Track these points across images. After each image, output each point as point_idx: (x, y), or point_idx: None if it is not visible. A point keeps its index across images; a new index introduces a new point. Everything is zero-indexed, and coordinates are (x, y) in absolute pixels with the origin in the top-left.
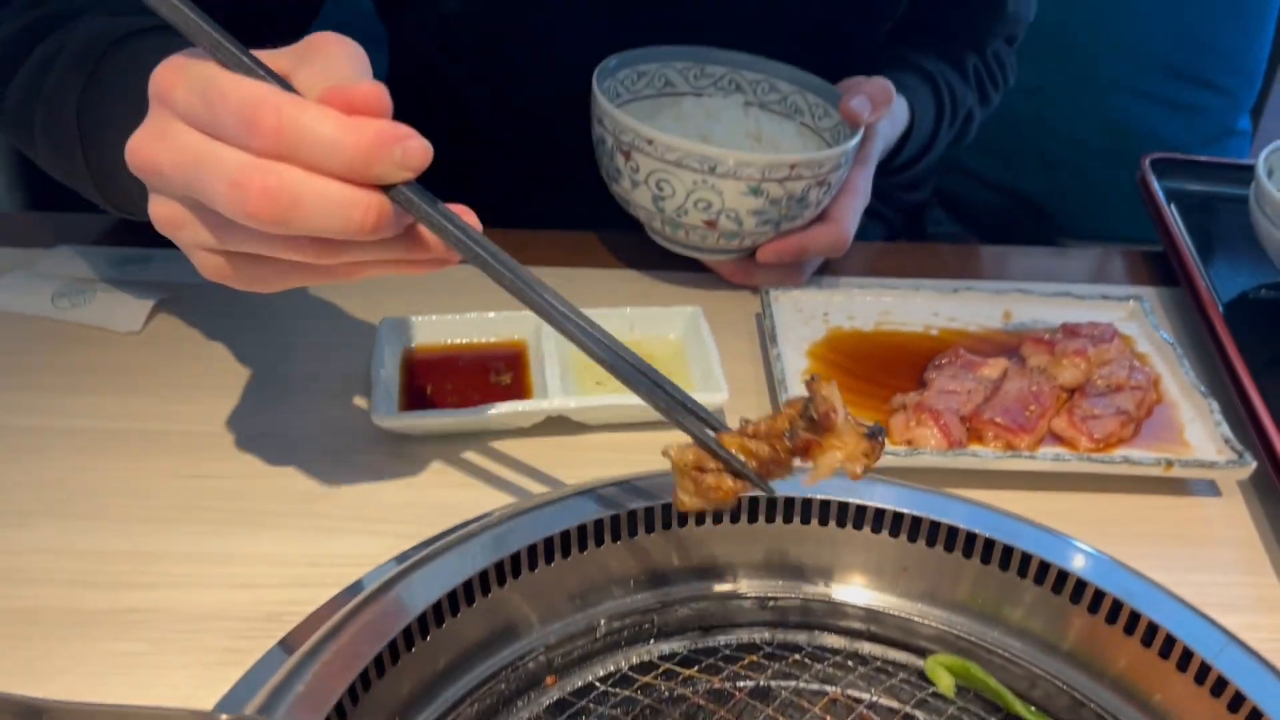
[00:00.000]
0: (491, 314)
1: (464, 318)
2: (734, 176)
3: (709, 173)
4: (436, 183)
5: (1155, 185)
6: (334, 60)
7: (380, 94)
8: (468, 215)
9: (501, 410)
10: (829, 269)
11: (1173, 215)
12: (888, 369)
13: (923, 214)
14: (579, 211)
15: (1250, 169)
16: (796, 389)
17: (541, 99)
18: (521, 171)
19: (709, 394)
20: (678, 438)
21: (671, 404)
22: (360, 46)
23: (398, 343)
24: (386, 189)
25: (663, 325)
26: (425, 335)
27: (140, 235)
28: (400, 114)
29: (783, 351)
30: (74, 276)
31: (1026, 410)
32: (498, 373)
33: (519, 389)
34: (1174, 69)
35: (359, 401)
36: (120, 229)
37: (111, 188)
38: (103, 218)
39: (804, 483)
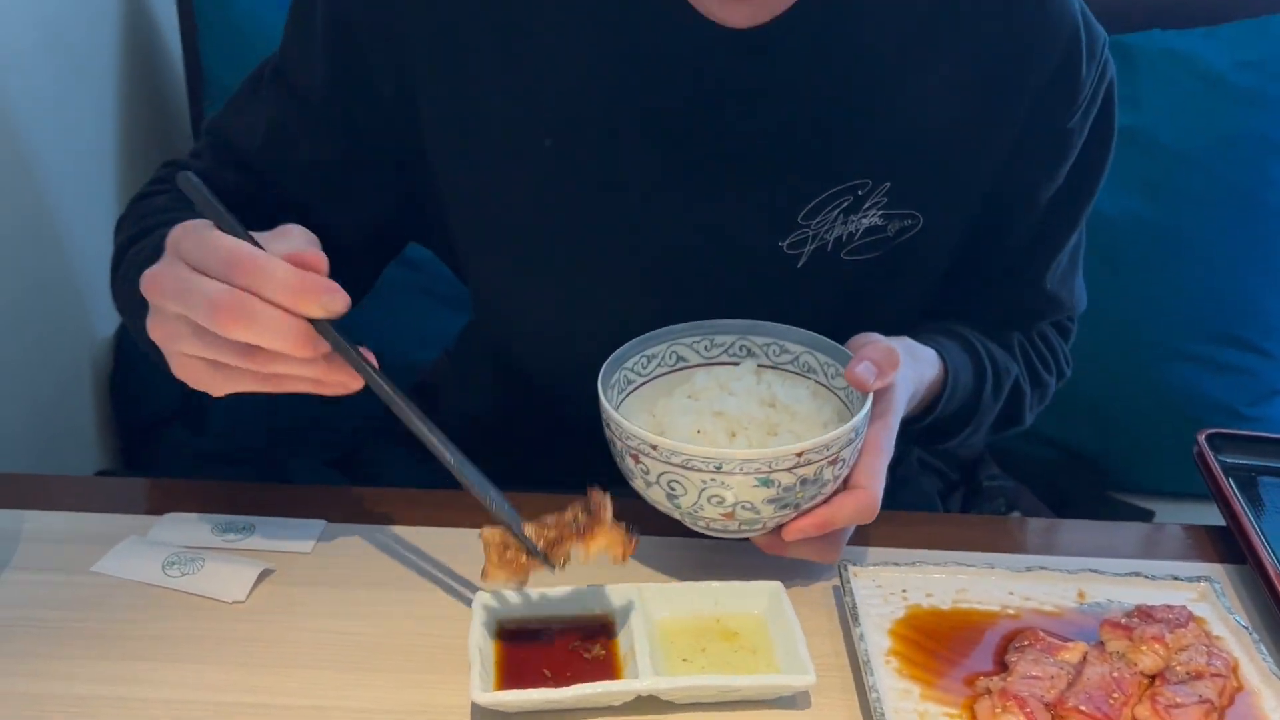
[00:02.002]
0: (581, 588)
1: (554, 592)
2: (741, 473)
3: (716, 471)
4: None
5: (1213, 461)
6: (294, 238)
7: (320, 259)
8: (368, 355)
9: (595, 690)
10: (903, 542)
11: (1233, 490)
12: (968, 649)
13: (977, 468)
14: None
15: None
16: (882, 671)
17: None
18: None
19: (796, 676)
20: None
21: (493, 499)
22: (312, 234)
23: (492, 616)
24: (315, 321)
25: (747, 601)
26: (518, 609)
27: (244, 504)
28: (472, 366)
29: (865, 631)
30: (185, 545)
31: (1110, 698)
32: (589, 647)
33: (609, 663)
34: (1216, 333)
35: (455, 677)
36: (227, 497)
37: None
38: (210, 485)
39: (580, 561)
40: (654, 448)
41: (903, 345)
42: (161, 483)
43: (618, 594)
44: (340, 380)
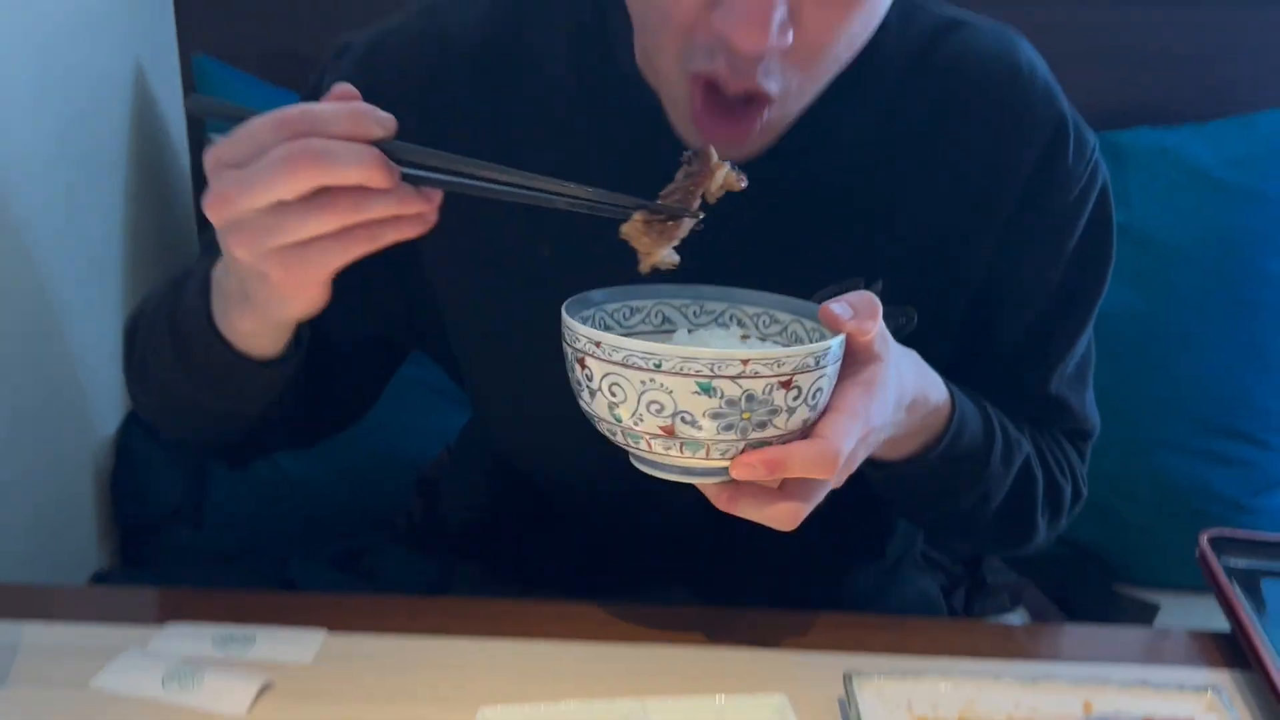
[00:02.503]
0: (587, 701)
1: (560, 705)
2: (681, 374)
3: (656, 370)
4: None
5: (1216, 564)
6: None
7: (353, 89)
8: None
9: None
10: (907, 649)
11: (1237, 594)
12: None
13: (980, 563)
14: (642, 583)
15: None
16: None
17: (598, 488)
18: (586, 538)
19: None
20: None
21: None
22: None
23: None
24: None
25: (752, 714)
26: None
27: (245, 611)
28: (473, 464)
29: None
30: (184, 656)
31: None
32: None
33: None
34: (1215, 426)
35: None
36: (227, 605)
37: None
38: (210, 593)
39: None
40: (598, 345)
41: (910, 355)
42: (161, 591)
43: (621, 708)
44: (418, 207)
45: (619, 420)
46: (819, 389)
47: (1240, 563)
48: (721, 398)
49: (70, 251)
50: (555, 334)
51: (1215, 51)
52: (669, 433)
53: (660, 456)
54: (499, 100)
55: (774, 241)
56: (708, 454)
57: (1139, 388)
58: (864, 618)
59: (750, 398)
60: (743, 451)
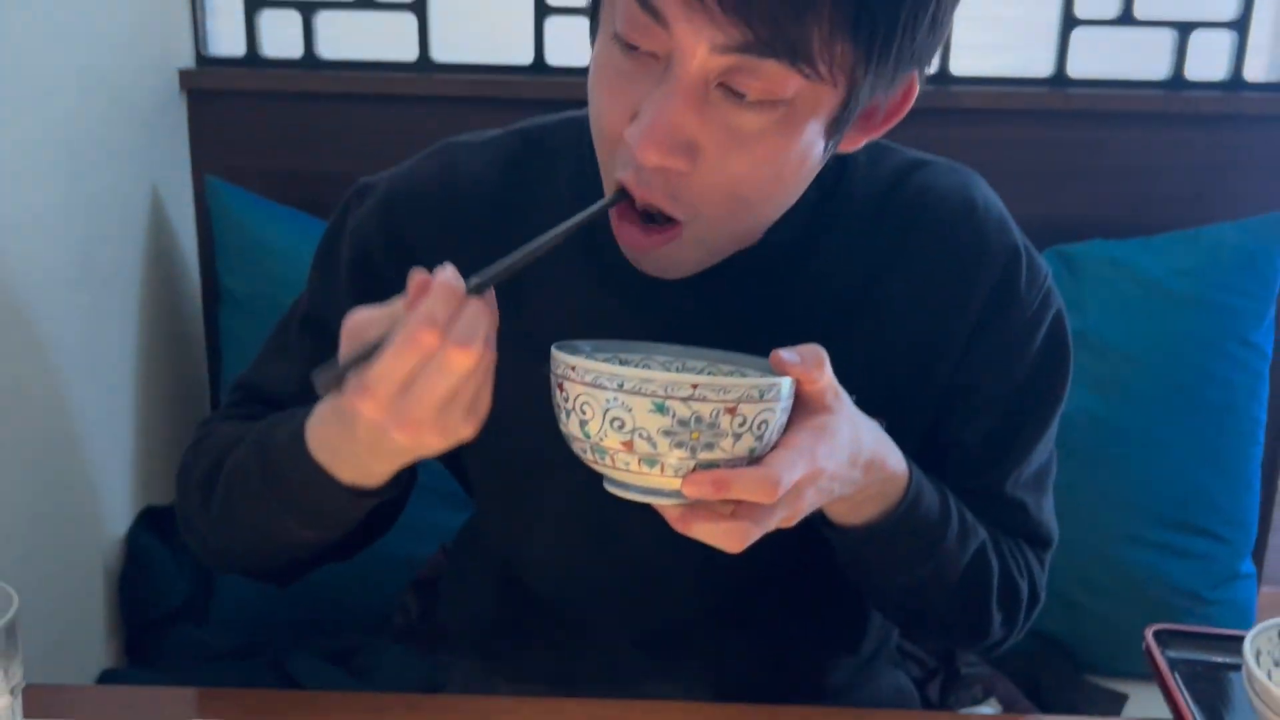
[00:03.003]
0: None
1: None
2: (639, 393)
3: (619, 390)
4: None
5: (1160, 657)
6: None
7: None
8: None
9: None
10: None
11: (1179, 687)
12: None
13: (954, 655)
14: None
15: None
16: None
17: (592, 589)
18: (584, 642)
19: None
20: None
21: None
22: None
23: None
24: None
25: None
26: None
27: (246, 709)
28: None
29: None
30: None
31: None
32: None
33: None
34: (1173, 521)
35: None
36: (229, 702)
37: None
38: (213, 692)
39: None
40: (573, 368)
41: (871, 423)
42: (169, 690)
43: None
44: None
45: (588, 436)
46: (763, 421)
47: (1186, 655)
48: (673, 417)
49: (89, 364)
50: (555, 453)
51: (1160, 171)
52: (629, 448)
53: (623, 474)
54: (509, 243)
55: (749, 352)
56: (662, 471)
57: (1100, 485)
58: (840, 711)
59: (699, 419)
60: (693, 470)
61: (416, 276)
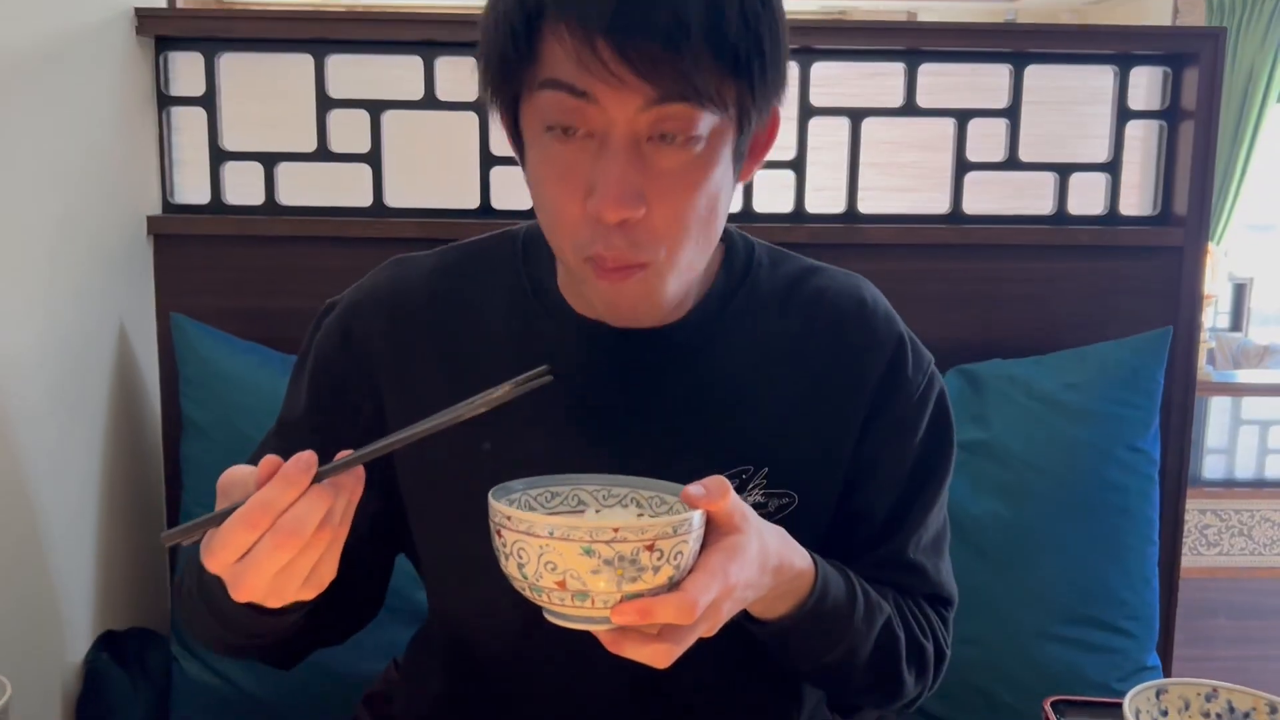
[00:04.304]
0: None
1: None
2: (567, 540)
3: (549, 537)
4: None
5: None
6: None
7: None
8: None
9: None
10: None
11: None
12: None
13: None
14: None
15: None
16: None
17: (539, 669)
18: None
19: None
20: None
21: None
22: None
23: None
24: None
25: None
26: None
27: None
28: (425, 669)
29: None
30: None
31: None
32: None
33: None
34: (1081, 616)
35: None
36: None
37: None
38: None
39: None
40: (509, 519)
41: (776, 530)
42: None
43: None
44: (328, 503)
45: (526, 578)
46: (679, 552)
47: None
48: (599, 558)
49: (54, 493)
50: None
51: (1048, 296)
52: (562, 586)
53: (559, 607)
54: (447, 337)
55: (673, 430)
56: (593, 604)
57: (1012, 585)
58: None
59: (621, 557)
60: (620, 601)
61: (267, 462)
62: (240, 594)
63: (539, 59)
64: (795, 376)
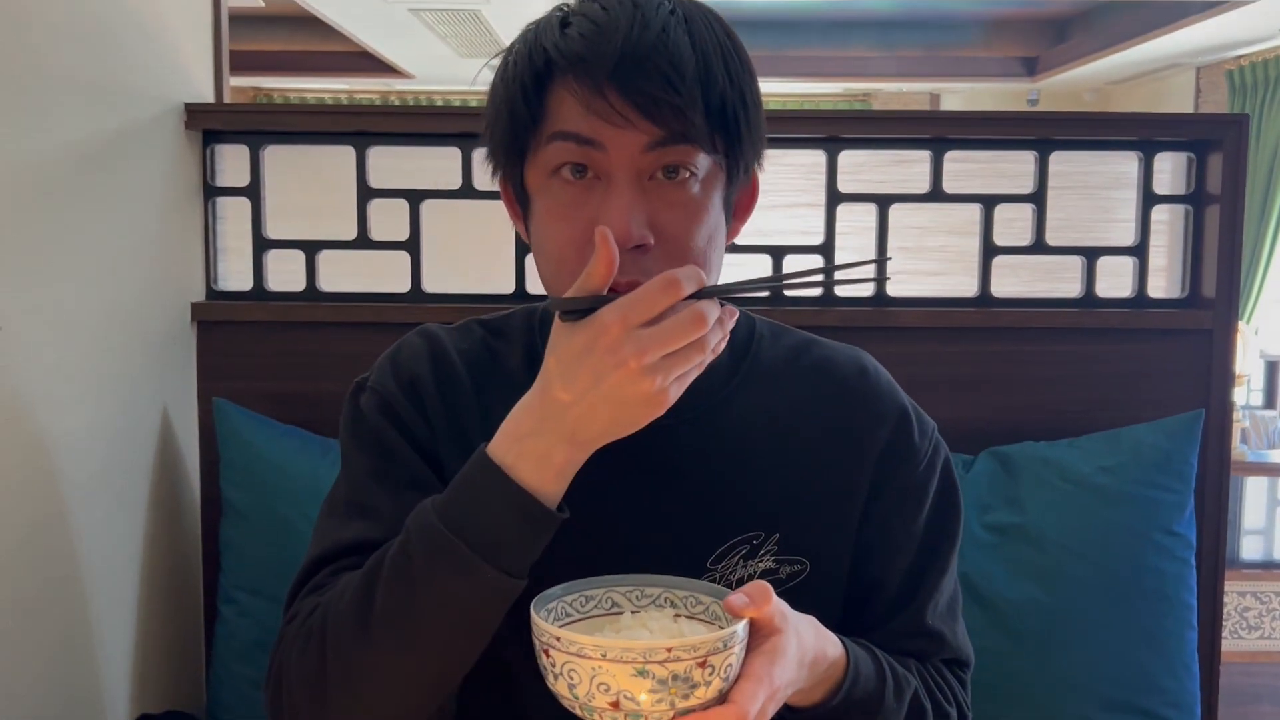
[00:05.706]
0: None
1: None
2: (621, 661)
3: (602, 659)
4: None
5: None
6: None
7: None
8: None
9: None
10: None
11: None
12: None
13: None
14: None
15: None
16: None
17: None
18: None
19: None
20: None
21: None
22: None
23: None
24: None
25: None
26: None
27: None
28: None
29: None
30: None
31: None
32: None
33: None
34: (1118, 702)
35: None
36: None
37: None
38: None
39: None
40: (558, 639)
41: (808, 621)
42: None
43: None
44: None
45: (577, 698)
46: (729, 664)
47: None
48: (654, 678)
49: (97, 575)
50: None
51: (1077, 378)
52: (615, 707)
53: None
54: (485, 391)
55: (687, 499)
56: None
57: (1051, 671)
58: None
59: (675, 676)
60: (673, 718)
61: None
62: (637, 359)
63: (547, 114)
64: (802, 444)
